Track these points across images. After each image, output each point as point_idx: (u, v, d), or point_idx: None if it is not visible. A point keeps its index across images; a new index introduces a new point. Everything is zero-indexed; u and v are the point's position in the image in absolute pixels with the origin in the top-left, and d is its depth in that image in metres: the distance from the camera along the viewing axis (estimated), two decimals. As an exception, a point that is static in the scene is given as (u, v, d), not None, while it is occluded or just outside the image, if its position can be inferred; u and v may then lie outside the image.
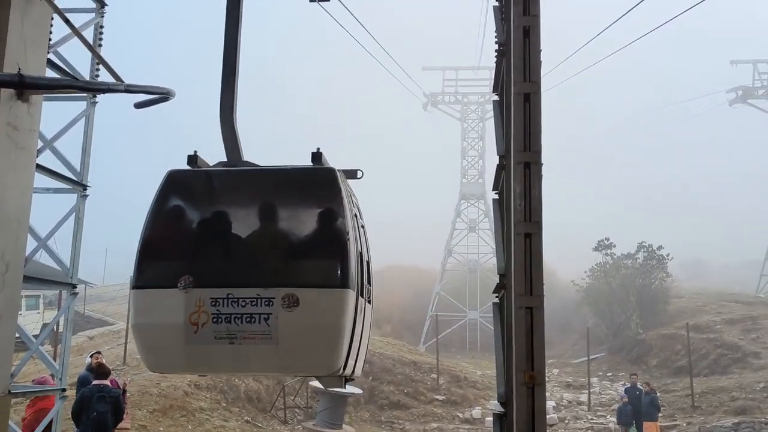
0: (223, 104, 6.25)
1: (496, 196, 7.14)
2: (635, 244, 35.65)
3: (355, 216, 5.95)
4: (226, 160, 6.14)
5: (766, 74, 43.30)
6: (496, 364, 6.56)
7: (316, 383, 20.00)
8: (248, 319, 5.22)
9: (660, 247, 35.20)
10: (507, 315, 6.06)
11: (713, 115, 50.75)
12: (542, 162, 5.62)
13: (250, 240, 5.78)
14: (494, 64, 7.19)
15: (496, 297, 6.90)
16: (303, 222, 6.04)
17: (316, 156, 5.79)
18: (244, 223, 5.96)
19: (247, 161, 6.14)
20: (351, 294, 5.45)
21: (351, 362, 5.78)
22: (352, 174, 6.19)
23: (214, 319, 5.24)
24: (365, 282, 6.02)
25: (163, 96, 6.08)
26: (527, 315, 5.36)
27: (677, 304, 35.95)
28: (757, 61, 43.57)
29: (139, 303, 5.70)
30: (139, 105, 6.23)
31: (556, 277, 45.86)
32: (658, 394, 20.30)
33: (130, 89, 5.55)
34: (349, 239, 5.54)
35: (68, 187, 9.29)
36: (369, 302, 6.28)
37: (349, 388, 20.13)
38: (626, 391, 18.86)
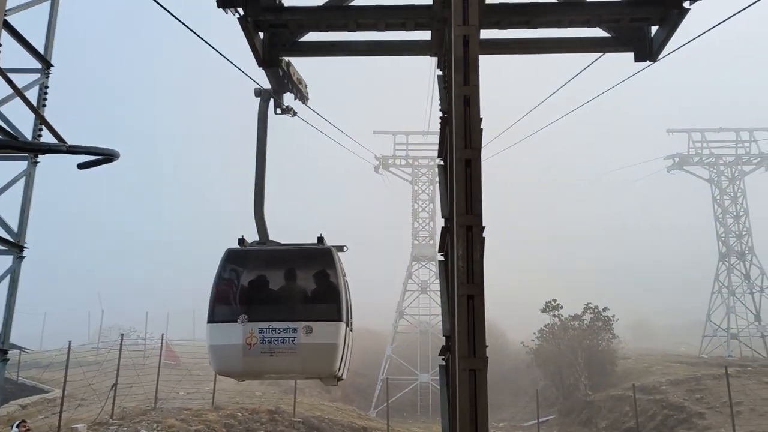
0: (255, 203, 9.60)
1: (442, 258, 7.24)
2: (582, 306, 36.24)
3: (344, 276, 9.18)
4: (258, 239, 9.47)
5: (700, 143, 45.56)
6: (441, 428, 6.52)
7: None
8: (282, 341, 8.42)
9: (606, 309, 35.85)
10: (452, 377, 6.06)
11: (652, 181, 52.79)
12: (484, 225, 5.75)
13: (280, 292, 9.17)
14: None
15: (443, 359, 6.90)
16: (312, 281, 9.29)
17: (320, 239, 9.27)
18: (276, 281, 9.25)
19: (272, 240, 9.49)
20: (343, 326, 8.76)
21: (342, 368, 9.09)
22: (340, 248, 9.50)
23: (261, 341, 8.41)
24: (350, 318, 9.29)
25: (107, 157, 6.02)
26: (471, 378, 5.36)
27: (624, 365, 36.39)
28: (691, 130, 45.83)
29: (213, 332, 8.75)
30: (82, 166, 6.14)
31: (506, 339, 46.03)
32: (608, 457, 20.27)
33: (73, 150, 5.47)
34: (341, 292, 8.90)
35: (4, 248, 9.00)
36: (351, 330, 9.41)
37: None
38: (576, 454, 18.81)
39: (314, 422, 23.11)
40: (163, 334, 26.45)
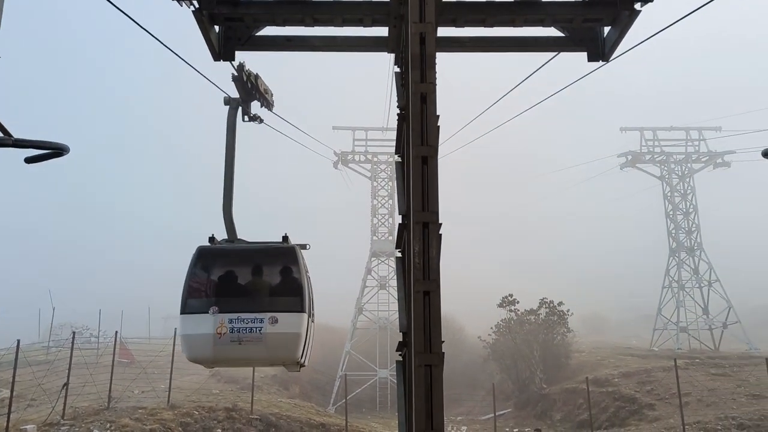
0: (224, 204, 10.26)
1: (400, 255, 7.26)
2: (537, 301, 36.85)
3: (306, 272, 10.10)
4: (226, 237, 10.20)
5: (651, 141, 46.73)
6: (398, 423, 6.55)
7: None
8: (249, 330, 9.25)
9: (560, 303, 36.50)
10: (409, 373, 6.09)
11: (606, 178, 53.86)
12: (440, 222, 5.79)
13: (248, 286, 9.99)
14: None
15: (400, 355, 6.93)
16: (277, 276, 10.09)
17: (285, 238, 10.20)
18: (244, 276, 10.04)
19: (240, 239, 10.22)
20: (305, 317, 9.65)
21: (305, 355, 9.98)
22: (303, 246, 10.50)
23: (230, 331, 9.21)
24: (312, 310, 10.19)
25: (56, 151, 5.86)
26: (426, 373, 5.40)
27: (578, 359, 37.17)
28: (643, 129, 46.96)
29: (186, 322, 9.43)
30: (30, 160, 5.96)
31: (465, 334, 46.49)
32: (562, 449, 20.72)
33: (20, 143, 5.30)
34: (304, 286, 9.79)
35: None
36: (313, 321, 10.33)
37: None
38: (531, 446, 19.16)
39: (272, 419, 22.96)
40: (116, 332, 25.88)
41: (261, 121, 11.58)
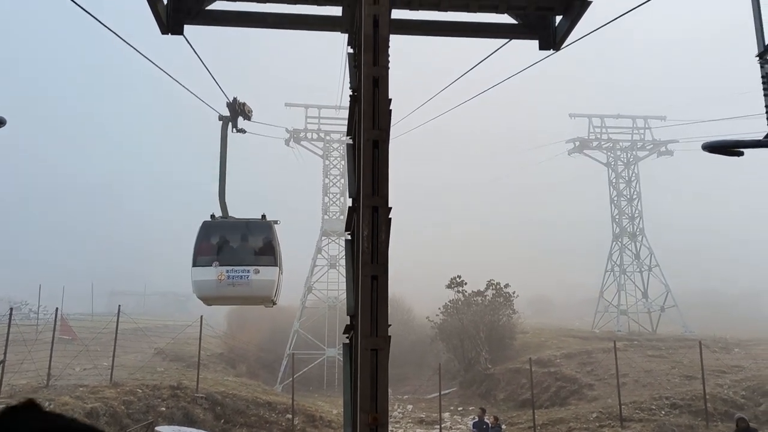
0: (220, 192, 14.50)
1: (350, 237, 7.25)
2: (485, 282, 37.42)
3: (277, 239, 14.21)
4: (221, 215, 14.46)
5: (599, 128, 47.77)
6: (343, 404, 6.60)
7: (161, 428, 18.94)
8: (240, 277, 13.41)
9: (507, 285, 37.17)
10: (355, 356, 6.12)
11: (555, 163, 54.80)
12: (390, 206, 5.80)
13: (238, 248, 14.04)
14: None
15: (347, 338, 6.96)
16: (259, 241, 14.16)
17: (263, 216, 14.43)
18: (235, 241, 14.17)
19: (231, 216, 14.52)
20: (277, 269, 13.96)
21: (276, 295, 14.27)
22: (276, 222, 14.55)
23: (227, 278, 13.35)
24: (281, 266, 14.29)
25: (-8, 123, 5.66)
26: (372, 356, 5.44)
27: (522, 340, 38.02)
28: (591, 116, 47.94)
29: (197, 272, 13.54)
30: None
31: (413, 314, 46.95)
32: (504, 427, 21.25)
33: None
34: (276, 249, 14.08)
35: None
36: (282, 273, 14.47)
37: (199, 432, 19.26)
38: (474, 425, 19.53)
39: (218, 398, 22.81)
40: (57, 308, 25.18)
41: (245, 132, 15.37)
